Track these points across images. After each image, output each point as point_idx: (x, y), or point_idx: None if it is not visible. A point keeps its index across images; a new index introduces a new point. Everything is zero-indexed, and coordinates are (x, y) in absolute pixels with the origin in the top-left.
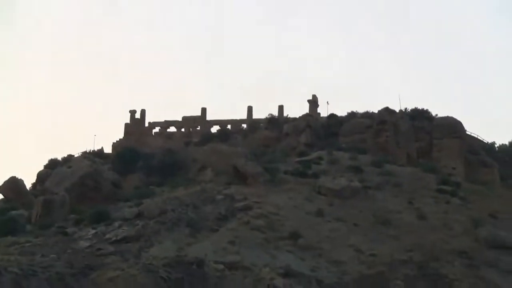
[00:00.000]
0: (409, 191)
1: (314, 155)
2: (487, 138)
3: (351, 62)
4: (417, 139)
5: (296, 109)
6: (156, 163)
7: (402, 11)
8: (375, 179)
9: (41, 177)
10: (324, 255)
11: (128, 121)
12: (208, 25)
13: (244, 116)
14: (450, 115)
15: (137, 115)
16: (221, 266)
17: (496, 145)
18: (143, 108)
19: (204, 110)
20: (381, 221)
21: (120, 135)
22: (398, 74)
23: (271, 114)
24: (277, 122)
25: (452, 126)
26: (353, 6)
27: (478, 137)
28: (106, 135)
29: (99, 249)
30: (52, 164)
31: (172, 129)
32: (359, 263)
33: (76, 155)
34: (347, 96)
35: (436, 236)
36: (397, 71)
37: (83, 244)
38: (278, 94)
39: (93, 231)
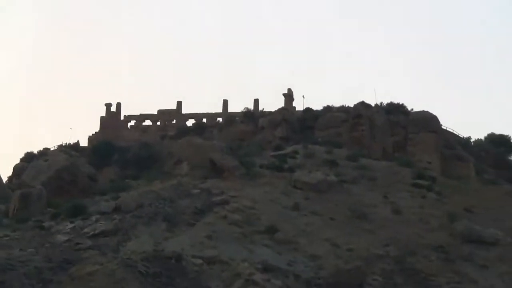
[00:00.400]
0: (384, 185)
1: (289, 149)
2: (462, 133)
3: (327, 55)
4: (392, 134)
5: (272, 103)
6: (132, 156)
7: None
8: (351, 173)
9: (17, 170)
10: (301, 249)
11: (104, 114)
12: (185, 16)
13: (219, 109)
14: (425, 109)
15: (113, 108)
16: (199, 261)
17: (471, 140)
18: (118, 101)
19: (179, 104)
20: (356, 215)
21: (96, 128)
22: (374, 67)
23: (247, 108)
24: (253, 115)
25: (428, 121)
26: None
27: (454, 132)
28: (82, 129)
29: (77, 243)
30: (28, 157)
31: (148, 122)
32: (336, 258)
33: (52, 149)
34: (322, 90)
35: (412, 230)
36: (373, 64)
37: (61, 238)
38: (254, 88)
39: (71, 225)
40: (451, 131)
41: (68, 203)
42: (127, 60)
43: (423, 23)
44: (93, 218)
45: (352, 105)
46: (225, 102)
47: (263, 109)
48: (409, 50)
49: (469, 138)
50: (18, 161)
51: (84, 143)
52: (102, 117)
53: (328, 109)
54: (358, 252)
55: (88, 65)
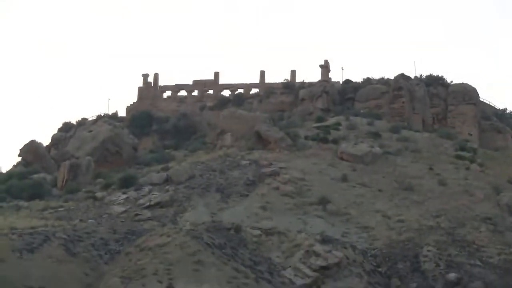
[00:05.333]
0: (428, 157)
1: (332, 120)
2: (498, 104)
3: (364, 26)
4: (432, 105)
5: (308, 74)
6: (171, 126)
7: None
8: (394, 145)
9: (56, 140)
10: (353, 220)
11: (141, 85)
12: None
13: (254, 80)
14: (464, 81)
15: (150, 79)
16: (258, 232)
17: (507, 111)
18: (156, 72)
19: (217, 74)
20: (404, 187)
21: (134, 99)
22: (413, 39)
23: (286, 79)
24: (293, 87)
25: (467, 93)
26: None
27: (490, 103)
28: (120, 99)
29: (137, 214)
30: (67, 127)
31: (183, 93)
32: (388, 229)
33: (90, 119)
34: (361, 62)
35: (459, 202)
36: (413, 36)
37: (118, 209)
38: (290, 59)
39: (124, 196)
40: (488, 102)
41: (118, 174)
42: (164, 31)
43: None
44: (146, 189)
45: (391, 77)
46: (262, 73)
47: (303, 80)
48: (448, 21)
49: (505, 109)
50: (56, 131)
51: (122, 113)
52: (139, 88)
53: (368, 81)
54: (409, 224)
55: (125, 36)
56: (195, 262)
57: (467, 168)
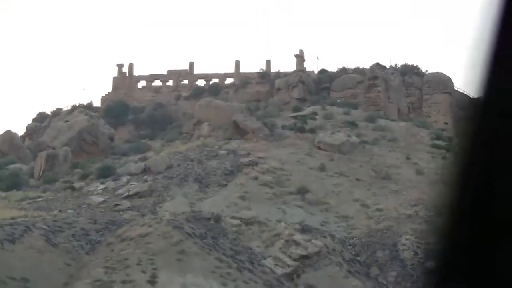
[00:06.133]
0: (404, 146)
1: (308, 110)
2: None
3: (339, 15)
4: (407, 95)
5: (283, 64)
6: (146, 116)
7: None
8: (371, 134)
9: (30, 130)
10: (332, 209)
11: (116, 75)
12: None
13: (229, 70)
14: (437, 71)
15: (125, 69)
16: (237, 221)
17: None
18: (130, 62)
19: (192, 64)
20: (381, 176)
21: (109, 89)
22: (388, 28)
23: (262, 69)
24: (268, 77)
25: (442, 82)
26: None
27: (465, 92)
28: (93, 89)
29: (116, 204)
30: (41, 118)
31: (158, 82)
32: (367, 218)
33: (64, 109)
34: (336, 51)
35: (436, 191)
36: (388, 25)
37: (96, 199)
38: (264, 48)
39: (102, 186)
40: (463, 92)
41: (96, 164)
42: (138, 20)
43: None
44: (124, 179)
45: (367, 67)
46: (237, 63)
47: (278, 70)
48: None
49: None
50: (30, 122)
51: (97, 103)
52: (114, 78)
53: (343, 70)
54: (388, 213)
55: (99, 26)
56: (178, 252)
57: (444, 157)
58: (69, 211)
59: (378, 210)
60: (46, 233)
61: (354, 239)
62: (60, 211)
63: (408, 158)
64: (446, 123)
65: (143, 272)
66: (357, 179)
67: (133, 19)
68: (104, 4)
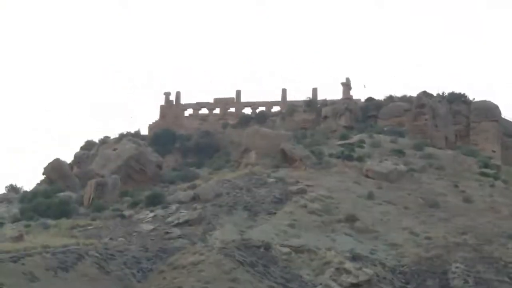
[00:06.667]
0: (452, 174)
1: (355, 138)
2: None
3: (386, 44)
4: (454, 123)
5: (329, 92)
6: (193, 144)
7: None
8: (418, 162)
9: (78, 158)
10: (380, 237)
11: (163, 103)
12: (238, 4)
13: (275, 98)
14: (485, 98)
15: (172, 97)
16: (287, 249)
17: None
18: (177, 90)
19: (238, 92)
20: (429, 204)
21: (156, 117)
22: (435, 57)
23: (309, 97)
24: (315, 104)
25: (490, 110)
26: None
27: None
28: (140, 117)
29: (167, 232)
30: (89, 146)
31: (204, 111)
32: (416, 246)
33: (112, 137)
34: (382, 79)
35: (485, 219)
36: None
37: (146, 227)
38: (310, 76)
39: (152, 214)
40: (509, 119)
41: (145, 192)
42: (185, 49)
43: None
44: (173, 207)
45: (414, 95)
46: (284, 91)
47: (325, 98)
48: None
49: None
50: (77, 150)
51: (144, 132)
52: (161, 106)
53: (390, 98)
54: (437, 240)
55: (146, 54)
56: (231, 280)
57: (492, 185)
58: (119, 239)
59: (427, 238)
60: (99, 260)
61: (404, 267)
62: (111, 239)
63: (455, 186)
64: (494, 151)
65: None
66: (405, 207)
67: (180, 48)
68: (151, 33)
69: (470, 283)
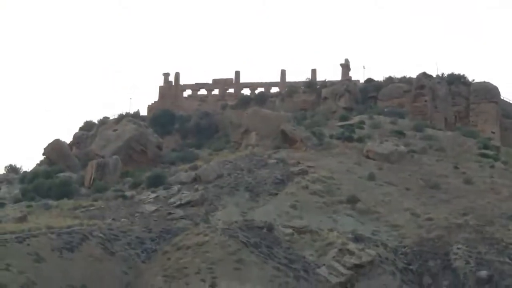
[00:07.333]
0: (452, 156)
1: (355, 119)
2: None
3: (384, 25)
4: (454, 104)
5: (328, 73)
6: (192, 125)
7: None
8: (418, 143)
9: (78, 139)
10: (382, 218)
11: (162, 84)
12: None
13: (274, 79)
14: (484, 80)
15: (171, 78)
16: (290, 230)
17: None
18: (176, 71)
19: (237, 73)
20: (430, 185)
21: (154, 98)
22: (434, 38)
23: (308, 78)
24: (315, 86)
25: (489, 91)
26: None
27: (511, 102)
28: (139, 98)
29: (170, 213)
30: (88, 126)
31: (203, 91)
32: (417, 227)
33: (111, 118)
34: (381, 60)
35: (485, 200)
36: (434, 35)
37: (149, 208)
38: (309, 57)
39: (154, 195)
40: (508, 101)
41: (146, 173)
42: (185, 29)
43: None
44: (175, 188)
45: (413, 76)
46: (283, 72)
47: (325, 79)
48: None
49: None
50: (76, 130)
51: (143, 112)
52: (160, 87)
53: (390, 79)
54: (438, 222)
55: (145, 35)
56: (236, 261)
57: (492, 166)
58: (122, 219)
59: (429, 219)
60: (103, 241)
61: (406, 248)
62: (114, 219)
63: (456, 167)
64: (493, 132)
65: (203, 280)
66: (406, 188)
67: (179, 29)
68: (151, 14)
69: (472, 264)
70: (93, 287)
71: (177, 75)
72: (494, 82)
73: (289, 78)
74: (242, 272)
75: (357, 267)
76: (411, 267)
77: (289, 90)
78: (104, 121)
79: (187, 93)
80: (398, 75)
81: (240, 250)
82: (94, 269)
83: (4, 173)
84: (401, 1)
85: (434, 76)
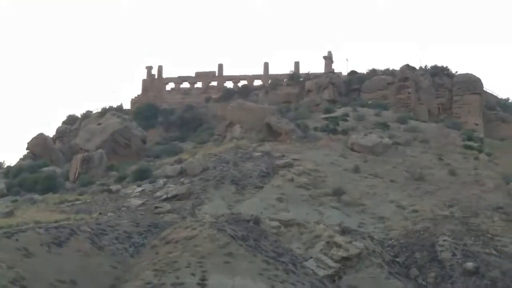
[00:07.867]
0: (436, 147)
1: (339, 111)
2: (502, 94)
3: (367, 17)
4: (437, 96)
5: (312, 66)
6: (176, 118)
7: None
8: (403, 135)
9: (61, 133)
10: (368, 211)
11: (145, 77)
12: None
13: (257, 72)
14: (467, 71)
15: (154, 71)
16: (276, 223)
17: (510, 101)
18: (159, 64)
19: (220, 66)
20: (415, 177)
21: (138, 91)
22: (417, 30)
23: (292, 71)
24: (298, 78)
25: (472, 83)
26: None
27: (494, 93)
28: (122, 92)
29: (157, 207)
30: (71, 120)
31: (186, 84)
32: (403, 219)
33: (94, 111)
34: (364, 53)
35: (470, 191)
36: (417, 27)
37: (135, 202)
38: (292, 50)
39: (139, 189)
40: (491, 92)
41: (132, 166)
42: (167, 22)
43: None
44: (161, 181)
45: (397, 68)
46: (266, 65)
47: (308, 72)
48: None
49: (507, 99)
50: (59, 124)
51: (127, 106)
52: (144, 80)
53: (373, 72)
54: (424, 214)
55: (127, 27)
56: (226, 254)
57: (476, 158)
58: (109, 214)
59: (414, 211)
60: (91, 236)
61: (392, 240)
62: (100, 214)
63: (440, 159)
64: (477, 124)
65: (193, 275)
66: (391, 180)
67: (162, 22)
68: (134, 7)
69: (458, 256)
70: (82, 281)
71: (160, 68)
72: (477, 74)
73: (272, 71)
74: (232, 265)
75: (345, 259)
76: (398, 259)
77: (273, 82)
78: (87, 115)
79: (170, 86)
80: (381, 67)
81: (229, 243)
82: (83, 264)
83: None
84: None
85: (418, 68)
